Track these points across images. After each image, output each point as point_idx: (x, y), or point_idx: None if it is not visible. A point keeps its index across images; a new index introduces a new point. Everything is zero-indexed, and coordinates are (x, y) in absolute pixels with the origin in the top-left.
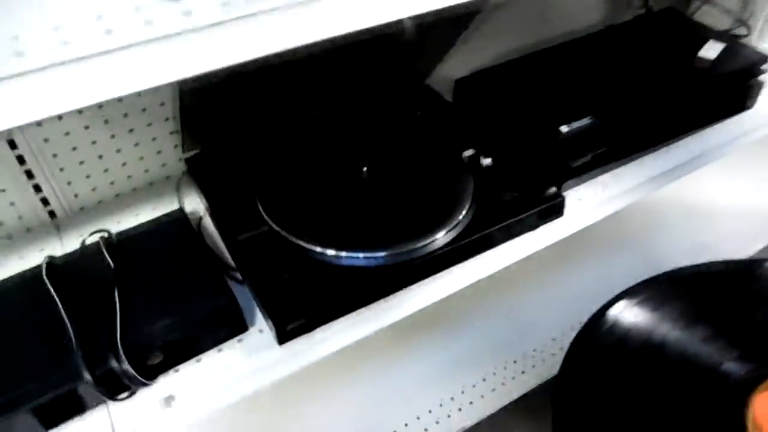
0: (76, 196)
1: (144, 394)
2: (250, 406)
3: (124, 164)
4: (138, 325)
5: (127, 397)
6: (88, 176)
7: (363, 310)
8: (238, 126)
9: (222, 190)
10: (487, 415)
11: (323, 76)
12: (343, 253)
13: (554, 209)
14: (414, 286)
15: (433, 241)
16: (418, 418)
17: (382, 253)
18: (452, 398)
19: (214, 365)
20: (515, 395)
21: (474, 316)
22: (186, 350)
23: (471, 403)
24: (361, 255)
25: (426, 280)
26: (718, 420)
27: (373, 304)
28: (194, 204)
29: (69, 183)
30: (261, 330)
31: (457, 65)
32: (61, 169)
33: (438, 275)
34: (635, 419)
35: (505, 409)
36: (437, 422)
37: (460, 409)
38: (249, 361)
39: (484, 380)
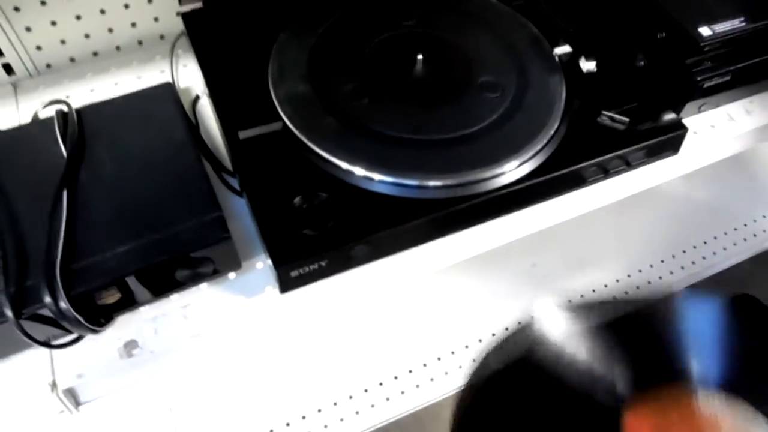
0: (39, 48)
1: (98, 336)
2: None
3: (102, 12)
4: (89, 246)
5: (69, 344)
6: (53, 23)
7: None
8: None
9: (226, 65)
10: None
11: None
12: (377, 177)
13: (670, 144)
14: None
15: (502, 173)
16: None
17: (437, 182)
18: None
19: (194, 307)
20: None
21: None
22: (154, 287)
23: None
24: (403, 181)
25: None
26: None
27: (409, 250)
28: (193, 76)
29: (29, 29)
30: (260, 264)
31: None
32: (17, 9)
33: (500, 217)
34: None
35: None
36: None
37: None
38: (240, 306)
39: None
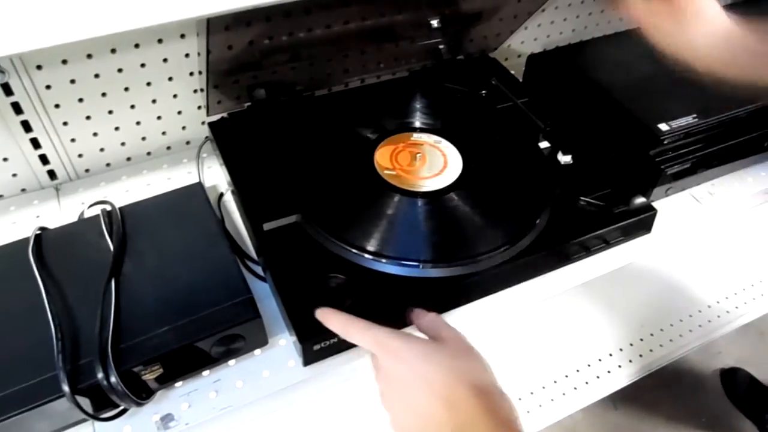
0: (80, 156)
1: (136, 411)
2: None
3: (138, 123)
4: (135, 328)
5: (114, 417)
6: (95, 134)
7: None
8: (276, 91)
9: (250, 165)
10: None
11: (376, 36)
12: (385, 261)
13: (642, 224)
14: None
15: (501, 251)
16: None
17: (447, 263)
18: None
19: (224, 381)
20: None
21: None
22: (191, 362)
23: None
24: (413, 263)
25: (484, 298)
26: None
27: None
28: (215, 176)
29: (73, 140)
30: (283, 341)
31: (527, 38)
32: (65, 123)
33: (498, 292)
34: None
35: None
36: None
37: None
38: (266, 380)
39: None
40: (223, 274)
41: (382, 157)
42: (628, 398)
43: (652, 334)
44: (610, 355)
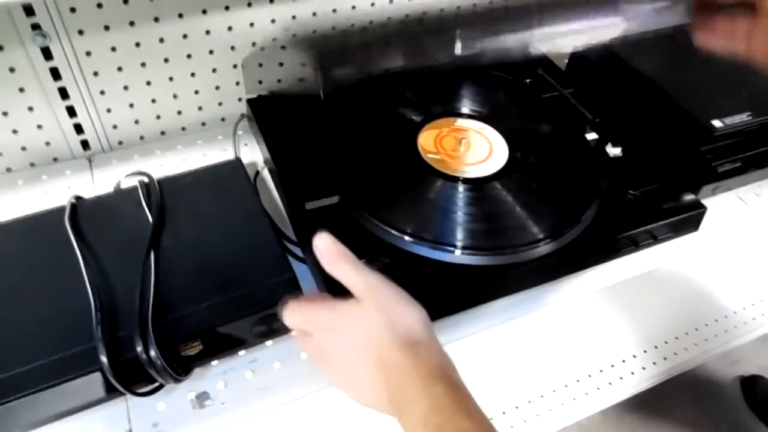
0: (115, 127)
1: (171, 388)
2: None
3: (175, 96)
4: (175, 302)
5: (151, 392)
6: (131, 105)
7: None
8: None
9: (289, 144)
10: None
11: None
12: (426, 245)
13: (691, 221)
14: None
15: (544, 243)
16: None
17: (488, 251)
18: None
19: (261, 362)
20: None
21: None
22: (230, 340)
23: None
24: (452, 249)
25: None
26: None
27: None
28: (250, 154)
29: (109, 110)
30: None
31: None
32: (102, 93)
33: (539, 286)
34: None
35: None
36: None
37: None
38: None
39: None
40: (265, 251)
41: (426, 140)
42: (645, 402)
43: (677, 338)
44: (634, 356)
